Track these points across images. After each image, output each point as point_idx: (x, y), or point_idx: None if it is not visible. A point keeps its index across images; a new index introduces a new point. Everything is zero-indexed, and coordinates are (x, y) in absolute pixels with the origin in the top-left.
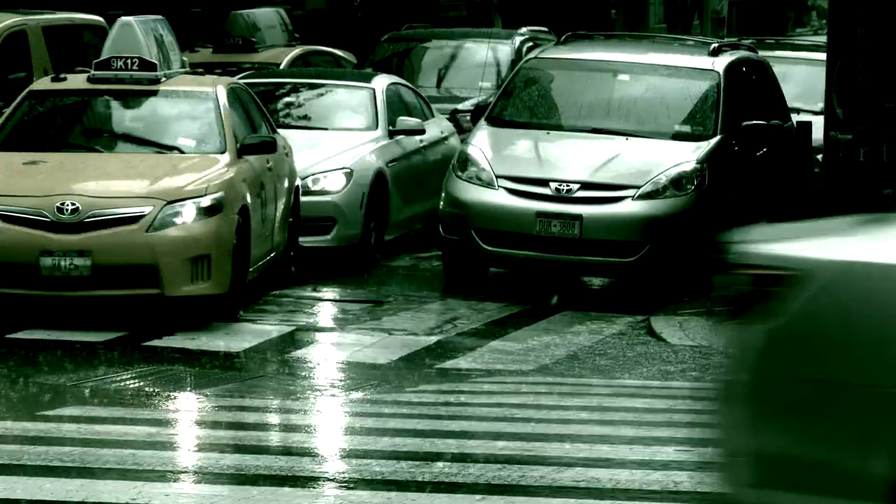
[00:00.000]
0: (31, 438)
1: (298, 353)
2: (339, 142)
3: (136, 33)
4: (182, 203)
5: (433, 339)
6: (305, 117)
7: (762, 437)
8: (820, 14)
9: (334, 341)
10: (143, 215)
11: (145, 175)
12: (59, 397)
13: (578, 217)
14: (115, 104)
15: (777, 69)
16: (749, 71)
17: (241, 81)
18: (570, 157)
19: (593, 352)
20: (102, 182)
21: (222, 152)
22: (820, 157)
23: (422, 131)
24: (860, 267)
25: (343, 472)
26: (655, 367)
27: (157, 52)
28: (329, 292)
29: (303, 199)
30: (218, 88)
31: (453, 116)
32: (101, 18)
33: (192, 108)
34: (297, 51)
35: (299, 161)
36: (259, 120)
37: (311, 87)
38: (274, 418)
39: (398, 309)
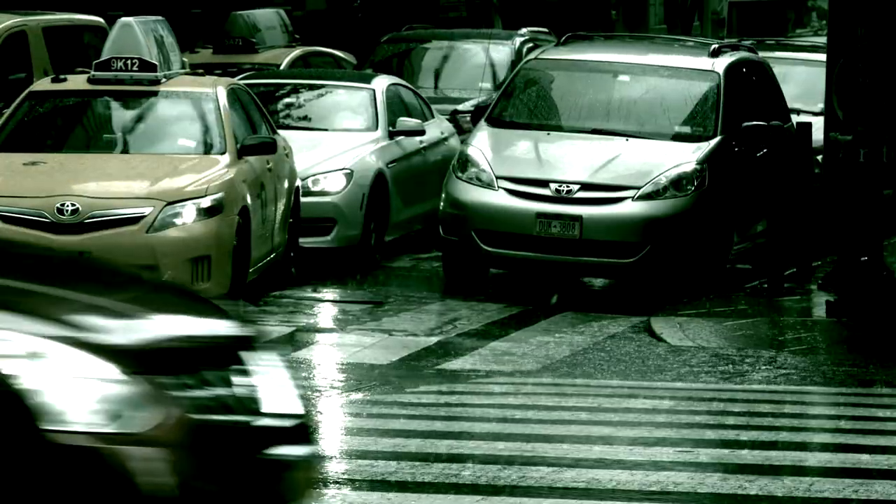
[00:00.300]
0: None
1: (298, 353)
2: (339, 143)
3: (137, 34)
4: (182, 204)
5: (433, 339)
6: (305, 118)
7: None
8: (820, 15)
9: (334, 342)
10: (144, 216)
11: (145, 176)
12: None
13: (578, 218)
14: (115, 105)
15: (777, 70)
16: (749, 72)
17: (242, 82)
18: (570, 157)
19: (593, 352)
20: (102, 183)
21: (222, 153)
22: (820, 157)
23: (422, 132)
24: None
25: (343, 473)
26: (655, 368)
27: (158, 53)
28: (329, 293)
29: (303, 199)
30: (218, 89)
31: (453, 117)
32: (101, 19)
33: (193, 108)
34: (297, 52)
35: (299, 162)
36: (259, 121)
37: (312, 87)
38: None
39: (398, 310)
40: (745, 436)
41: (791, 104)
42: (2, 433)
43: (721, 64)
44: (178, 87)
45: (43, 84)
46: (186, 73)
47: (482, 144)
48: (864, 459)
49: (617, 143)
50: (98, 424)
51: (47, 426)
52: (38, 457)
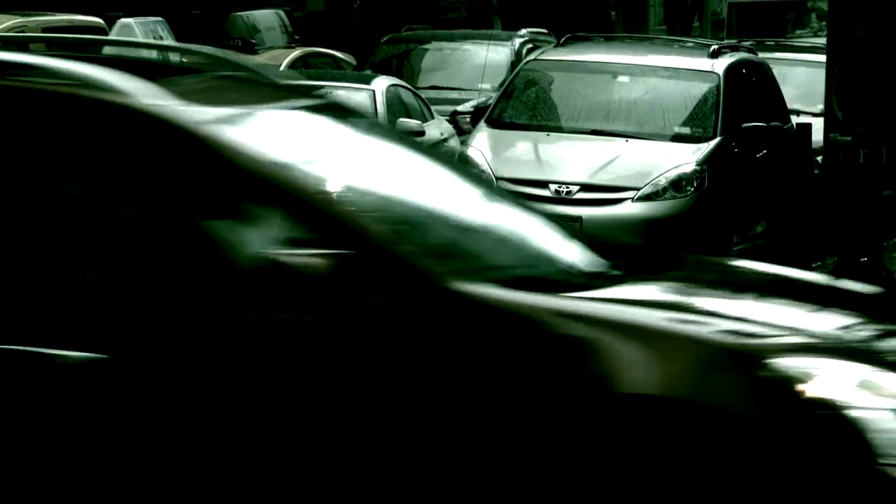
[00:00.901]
0: None
1: None
2: None
3: (136, 35)
4: None
5: None
6: None
7: None
8: (820, 16)
9: None
10: None
11: None
12: None
13: (578, 219)
14: None
15: (777, 71)
16: (749, 73)
17: None
18: (570, 158)
19: None
20: None
21: None
22: (819, 158)
23: (421, 133)
24: None
25: None
26: None
27: (157, 54)
28: None
29: None
30: None
31: (453, 118)
32: (100, 20)
33: None
34: (296, 52)
35: None
36: None
37: (311, 88)
38: None
39: None
40: None
41: (791, 105)
42: (841, 468)
43: (721, 65)
44: None
45: None
46: None
47: (482, 145)
48: None
49: (616, 144)
50: None
51: (885, 461)
52: (874, 494)
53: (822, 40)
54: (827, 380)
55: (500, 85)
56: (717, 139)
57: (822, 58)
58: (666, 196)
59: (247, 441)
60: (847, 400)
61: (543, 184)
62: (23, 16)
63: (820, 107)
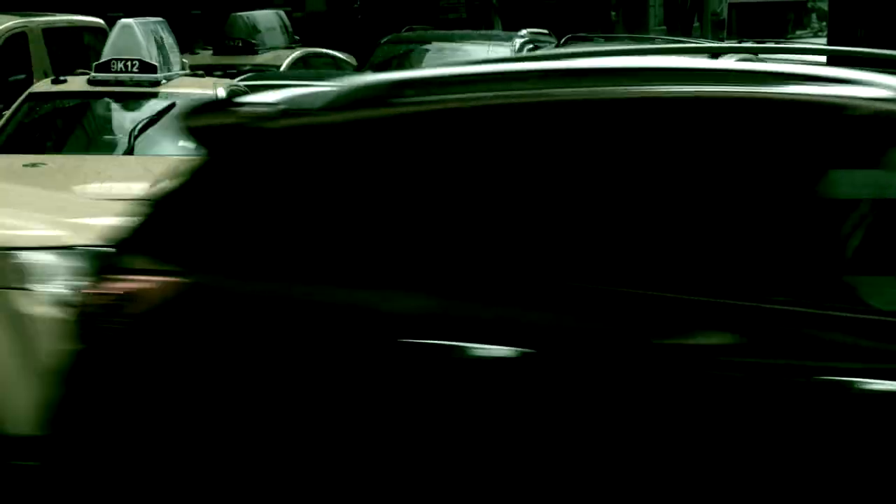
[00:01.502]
0: None
1: None
2: None
3: (137, 35)
4: None
5: None
6: None
7: None
8: (820, 16)
9: None
10: None
11: (146, 178)
12: None
13: None
14: (115, 106)
15: None
16: None
17: (242, 83)
18: None
19: None
20: (104, 185)
21: None
22: None
23: None
24: None
25: None
26: None
27: (158, 54)
28: None
29: None
30: (218, 90)
31: None
32: (101, 20)
33: None
34: (297, 53)
35: None
36: None
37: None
38: None
39: None
40: None
41: None
42: None
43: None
44: (179, 88)
45: (43, 85)
46: (186, 75)
47: None
48: None
49: None
50: None
51: None
52: None
53: (822, 40)
54: None
55: None
56: None
57: (823, 59)
58: None
59: None
60: None
61: None
62: (23, 16)
63: None
